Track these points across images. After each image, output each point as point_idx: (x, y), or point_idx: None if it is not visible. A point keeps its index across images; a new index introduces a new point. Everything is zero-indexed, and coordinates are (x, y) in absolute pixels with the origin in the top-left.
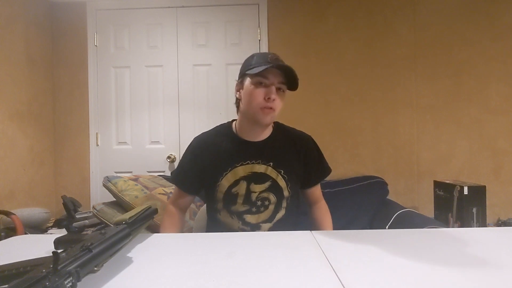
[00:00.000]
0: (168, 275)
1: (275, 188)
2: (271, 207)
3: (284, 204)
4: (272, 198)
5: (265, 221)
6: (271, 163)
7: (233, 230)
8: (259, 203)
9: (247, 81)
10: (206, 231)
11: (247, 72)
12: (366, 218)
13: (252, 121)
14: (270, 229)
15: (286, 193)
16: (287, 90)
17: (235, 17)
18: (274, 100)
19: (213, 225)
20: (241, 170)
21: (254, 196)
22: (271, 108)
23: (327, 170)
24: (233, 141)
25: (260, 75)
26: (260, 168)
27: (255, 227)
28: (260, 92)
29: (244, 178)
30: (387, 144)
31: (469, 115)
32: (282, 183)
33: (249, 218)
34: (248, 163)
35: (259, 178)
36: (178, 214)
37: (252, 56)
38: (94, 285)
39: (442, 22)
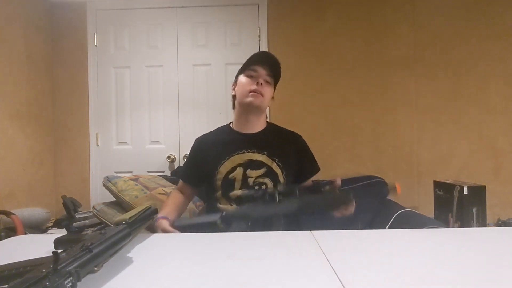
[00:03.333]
0: (168, 275)
1: (270, 173)
2: None
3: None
4: (269, 182)
5: None
6: (266, 152)
7: None
8: (256, 187)
9: (240, 77)
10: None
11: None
12: (366, 218)
13: (245, 108)
14: None
15: (281, 179)
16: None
17: (235, 17)
18: (262, 84)
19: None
20: (238, 158)
21: (251, 181)
22: (260, 93)
23: (316, 167)
24: (230, 134)
25: (249, 69)
26: (255, 156)
27: None
28: (250, 81)
29: (240, 165)
30: (387, 144)
31: (469, 115)
32: (277, 170)
33: None
34: (244, 152)
35: (255, 165)
36: (182, 197)
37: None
38: (94, 285)
39: (441, 22)
